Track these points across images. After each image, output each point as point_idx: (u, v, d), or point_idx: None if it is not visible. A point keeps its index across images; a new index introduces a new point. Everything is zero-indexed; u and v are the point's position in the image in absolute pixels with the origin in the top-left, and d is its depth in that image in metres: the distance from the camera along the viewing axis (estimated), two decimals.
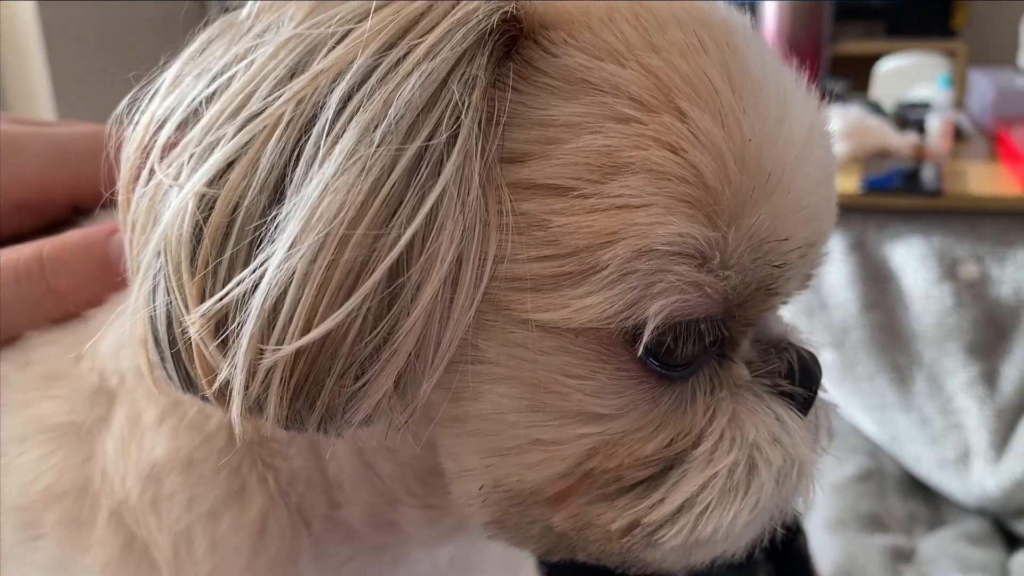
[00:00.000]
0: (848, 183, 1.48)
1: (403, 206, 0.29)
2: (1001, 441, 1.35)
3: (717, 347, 0.35)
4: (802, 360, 0.37)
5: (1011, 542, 1.34)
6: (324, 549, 0.40)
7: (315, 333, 0.28)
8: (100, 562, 0.37)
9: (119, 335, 0.38)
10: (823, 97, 0.37)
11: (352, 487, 0.39)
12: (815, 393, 0.38)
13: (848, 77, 2.13)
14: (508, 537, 0.37)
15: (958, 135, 1.74)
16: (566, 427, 0.33)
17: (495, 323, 0.32)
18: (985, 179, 1.52)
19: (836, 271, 1.46)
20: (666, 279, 0.31)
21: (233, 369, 0.29)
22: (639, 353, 0.32)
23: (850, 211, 1.44)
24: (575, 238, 0.30)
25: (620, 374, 0.33)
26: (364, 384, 0.30)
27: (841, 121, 1.59)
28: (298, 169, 0.29)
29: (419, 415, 0.33)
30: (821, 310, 1.47)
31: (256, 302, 0.28)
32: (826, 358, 1.47)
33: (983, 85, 1.90)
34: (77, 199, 0.43)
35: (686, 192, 0.31)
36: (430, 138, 0.29)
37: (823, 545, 1.29)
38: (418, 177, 0.29)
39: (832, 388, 0.40)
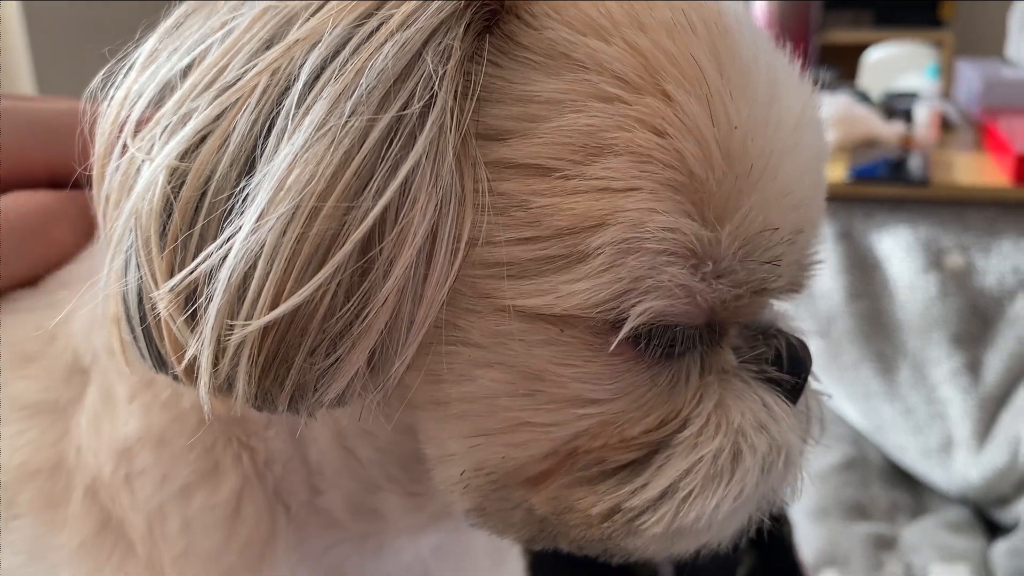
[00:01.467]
0: (835, 172, 1.48)
1: (375, 178, 0.28)
2: (984, 431, 1.36)
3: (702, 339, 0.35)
4: (791, 347, 0.36)
5: (992, 530, 1.35)
6: (305, 535, 0.40)
7: (283, 308, 0.28)
8: (76, 540, 0.36)
9: (90, 314, 0.37)
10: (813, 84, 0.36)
11: (332, 472, 0.38)
12: (804, 380, 0.37)
13: (836, 66, 2.13)
14: (490, 524, 0.36)
15: (945, 125, 1.74)
16: (561, 410, 0.33)
17: (478, 308, 0.31)
18: (971, 169, 1.53)
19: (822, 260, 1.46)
20: (656, 278, 0.30)
21: (201, 345, 0.29)
22: (613, 345, 0.32)
23: (837, 200, 1.44)
24: (557, 220, 0.30)
25: (614, 360, 0.32)
26: (335, 361, 0.29)
27: (829, 110, 1.59)
28: (269, 141, 0.28)
29: (397, 398, 0.33)
30: (806, 298, 1.47)
31: (223, 276, 0.28)
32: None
33: (970, 75, 1.90)
34: (56, 176, 0.42)
35: (670, 178, 0.30)
36: (403, 109, 0.28)
37: (806, 533, 1.30)
38: (390, 149, 0.28)
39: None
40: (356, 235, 0.28)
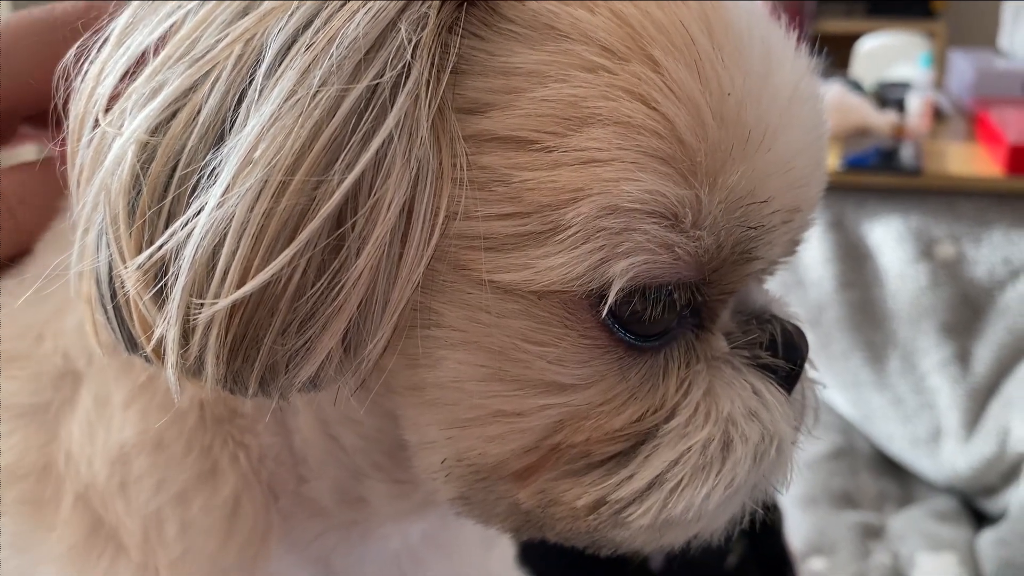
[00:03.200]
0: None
1: (345, 151, 0.27)
2: (972, 420, 1.37)
3: (693, 317, 0.34)
4: (785, 333, 0.36)
5: (978, 520, 1.35)
6: (293, 525, 0.39)
7: (250, 285, 0.27)
8: (66, 544, 0.36)
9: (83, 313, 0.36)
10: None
11: (318, 461, 0.38)
12: (799, 367, 0.36)
13: (829, 55, 2.12)
14: (475, 514, 0.36)
15: (937, 115, 1.74)
16: (528, 397, 0.32)
17: (453, 284, 0.30)
18: (963, 159, 1.53)
19: (813, 249, 1.47)
20: (633, 238, 0.29)
21: (167, 325, 0.28)
22: (603, 316, 0.31)
23: (828, 189, 1.43)
24: (538, 194, 0.29)
25: (586, 342, 0.31)
26: (307, 342, 0.28)
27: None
28: (239, 113, 0.27)
29: (377, 383, 0.32)
30: (797, 287, 1.48)
31: (188, 253, 0.27)
32: None
33: (963, 65, 1.90)
34: (23, 110, 0.40)
35: (658, 147, 0.29)
36: (376, 79, 0.27)
37: (794, 521, 1.30)
38: (362, 120, 0.27)
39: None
40: (326, 210, 0.27)
